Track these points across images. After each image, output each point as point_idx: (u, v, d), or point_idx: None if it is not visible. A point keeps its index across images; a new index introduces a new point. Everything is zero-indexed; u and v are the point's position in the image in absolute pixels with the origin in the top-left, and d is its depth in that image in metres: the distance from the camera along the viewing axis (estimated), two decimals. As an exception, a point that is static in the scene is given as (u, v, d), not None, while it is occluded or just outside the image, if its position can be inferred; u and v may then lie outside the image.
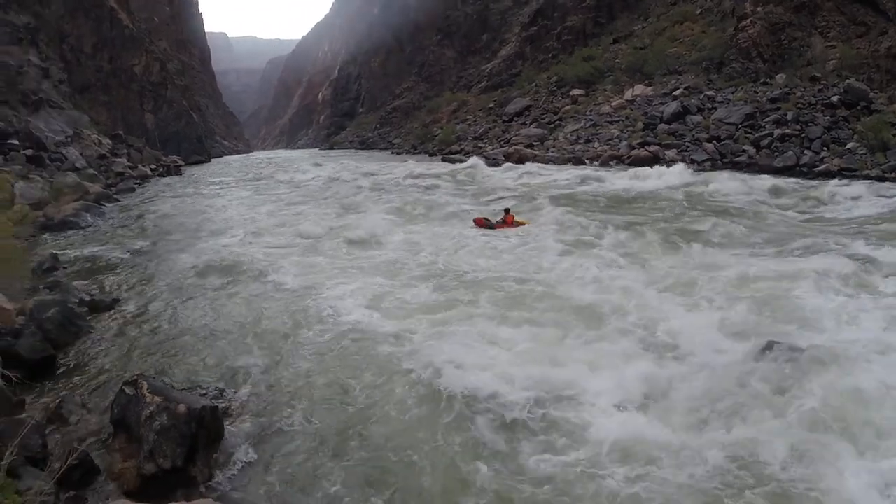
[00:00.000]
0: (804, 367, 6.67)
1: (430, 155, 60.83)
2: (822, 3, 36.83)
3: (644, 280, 11.00)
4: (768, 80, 36.14)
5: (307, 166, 53.26)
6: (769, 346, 7.19)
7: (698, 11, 51.18)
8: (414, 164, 40.48)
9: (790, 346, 7.15)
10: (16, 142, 33.41)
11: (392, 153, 74.05)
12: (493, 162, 39.45)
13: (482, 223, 18.06)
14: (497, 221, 18.04)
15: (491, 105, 67.31)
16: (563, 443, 6.04)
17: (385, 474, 5.78)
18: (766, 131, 29.48)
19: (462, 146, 56.39)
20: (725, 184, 22.90)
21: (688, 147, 32.15)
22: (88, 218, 22.70)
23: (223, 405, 6.84)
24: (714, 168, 28.91)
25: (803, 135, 27.91)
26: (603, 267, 12.03)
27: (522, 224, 18.06)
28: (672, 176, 25.55)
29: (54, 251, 15.67)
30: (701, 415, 6.36)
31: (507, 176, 32.30)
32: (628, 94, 45.44)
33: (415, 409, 6.82)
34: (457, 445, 6.11)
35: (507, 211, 18.33)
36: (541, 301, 10.15)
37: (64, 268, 14.40)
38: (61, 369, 8.38)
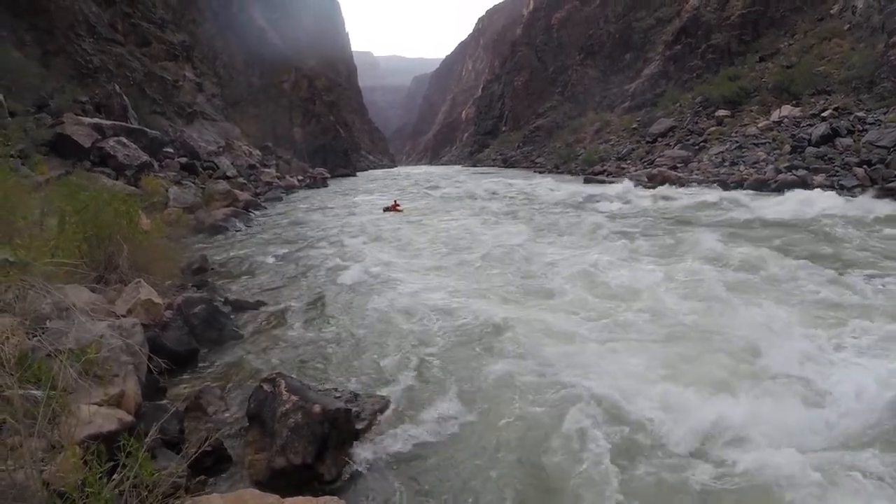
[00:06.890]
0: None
1: (572, 175, 60.08)
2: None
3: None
4: (922, 100, 33.30)
5: (467, 183, 52.85)
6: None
7: (846, 27, 47.63)
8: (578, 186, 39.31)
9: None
10: (171, 150, 35.72)
11: (535, 171, 73.37)
12: (638, 184, 38.34)
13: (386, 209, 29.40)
14: (387, 208, 29.38)
15: (634, 125, 66.00)
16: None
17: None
18: (920, 155, 26.96)
19: (605, 167, 55.89)
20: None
21: (837, 172, 29.72)
22: (237, 223, 23.97)
23: (357, 409, 6.85)
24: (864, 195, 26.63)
25: (959, 159, 25.31)
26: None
27: (401, 211, 28.71)
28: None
29: (204, 253, 16.72)
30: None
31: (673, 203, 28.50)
32: (775, 115, 43.26)
33: (581, 442, 6.12)
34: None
35: (395, 201, 30.74)
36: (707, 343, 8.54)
37: (212, 268, 15.43)
38: (203, 362, 8.80)
